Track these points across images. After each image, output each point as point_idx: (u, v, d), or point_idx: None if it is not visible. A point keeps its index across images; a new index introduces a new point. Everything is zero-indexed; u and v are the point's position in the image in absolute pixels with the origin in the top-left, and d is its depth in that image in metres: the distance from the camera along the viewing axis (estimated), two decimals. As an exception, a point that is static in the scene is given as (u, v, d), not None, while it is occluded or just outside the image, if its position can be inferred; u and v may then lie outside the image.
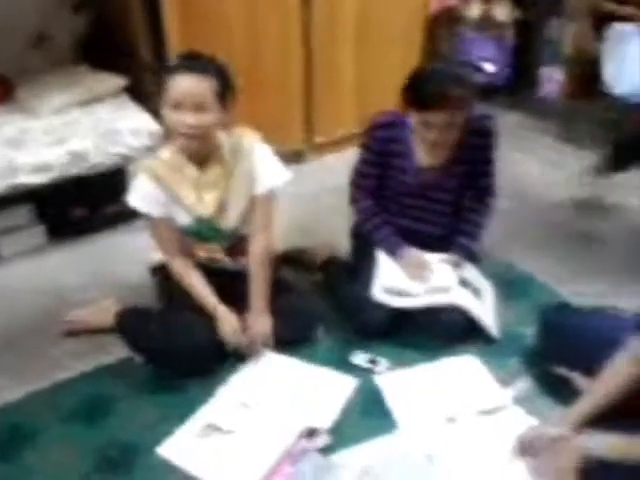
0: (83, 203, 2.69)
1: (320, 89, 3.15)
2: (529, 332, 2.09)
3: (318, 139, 3.26)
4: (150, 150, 2.64)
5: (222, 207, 1.98)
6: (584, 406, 1.60)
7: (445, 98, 1.90)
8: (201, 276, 2.04)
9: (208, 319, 2.01)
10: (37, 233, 2.63)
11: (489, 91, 3.59)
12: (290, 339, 2.09)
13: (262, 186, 2.01)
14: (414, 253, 2.18)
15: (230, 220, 2.01)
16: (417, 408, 1.87)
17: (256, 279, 2.05)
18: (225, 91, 1.87)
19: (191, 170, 1.94)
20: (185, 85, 1.80)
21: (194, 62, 1.84)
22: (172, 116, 1.83)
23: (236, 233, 2.06)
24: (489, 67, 3.81)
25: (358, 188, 2.23)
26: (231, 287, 2.06)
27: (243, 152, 1.98)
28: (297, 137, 3.21)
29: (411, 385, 1.96)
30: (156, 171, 1.93)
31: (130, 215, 2.61)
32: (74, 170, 2.52)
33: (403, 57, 3.25)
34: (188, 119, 1.81)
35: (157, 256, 2.14)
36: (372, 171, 2.18)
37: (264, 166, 2.00)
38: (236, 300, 2.05)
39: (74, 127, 2.63)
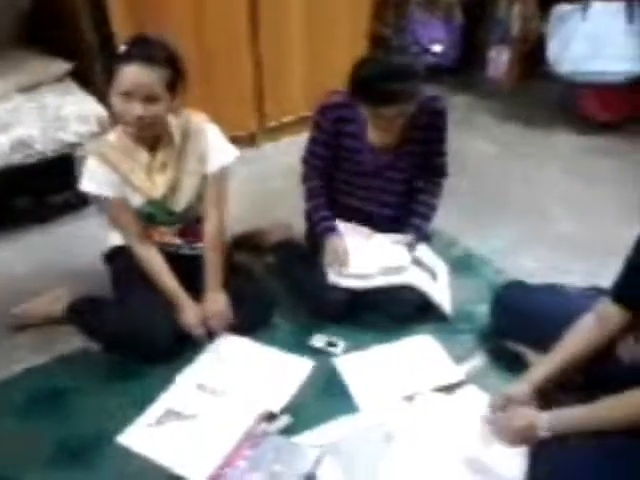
0: (29, 192, 2.63)
1: (269, 73, 3.12)
2: (481, 309, 2.14)
3: (270, 123, 3.25)
4: (97, 136, 2.58)
5: (173, 188, 1.97)
6: (547, 366, 1.63)
7: (393, 95, 1.91)
8: (164, 262, 2.02)
9: (166, 303, 2.00)
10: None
11: (437, 72, 3.62)
12: (247, 326, 2.10)
13: (213, 165, 2.01)
14: (338, 242, 2.16)
15: (181, 201, 2.00)
16: (375, 388, 1.90)
17: (210, 258, 2.05)
18: (175, 80, 1.85)
19: (141, 153, 1.92)
20: (135, 76, 1.77)
21: (144, 51, 1.79)
22: (121, 105, 1.80)
23: (189, 215, 2.05)
24: (437, 48, 3.85)
25: (308, 167, 2.24)
26: (187, 271, 2.05)
27: (192, 133, 1.97)
28: (249, 121, 3.19)
29: (369, 366, 1.99)
30: (106, 154, 1.90)
31: (78, 204, 2.59)
32: (18, 158, 2.45)
33: (351, 39, 3.24)
34: (137, 109, 1.79)
35: (111, 241, 2.12)
36: (322, 151, 2.18)
37: (214, 145, 2.00)
38: (192, 284, 2.04)
39: (17, 113, 2.54)
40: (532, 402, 1.60)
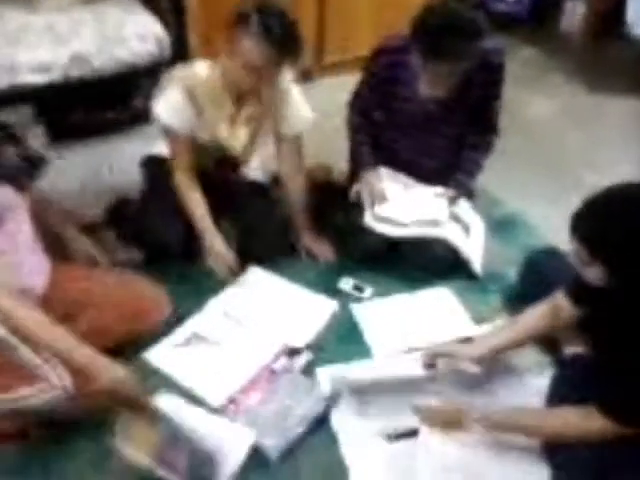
0: (83, 107, 2.66)
1: (334, 7, 3.06)
2: (513, 272, 2.11)
3: (329, 59, 3.19)
4: (157, 58, 2.59)
5: (251, 143, 2.04)
6: (500, 338, 1.71)
7: (452, 53, 1.84)
8: (202, 198, 2.05)
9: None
10: (36, 135, 2.56)
11: (508, 22, 3.50)
12: (267, 254, 2.16)
13: (290, 129, 2.06)
14: (375, 178, 2.18)
15: (253, 154, 2.09)
16: (388, 336, 1.93)
17: (299, 213, 2.19)
18: (289, 58, 1.87)
19: (227, 102, 1.94)
20: (255, 52, 1.78)
21: (276, 32, 1.77)
22: (229, 62, 1.83)
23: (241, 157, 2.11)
24: (511, -4, 3.70)
25: (354, 108, 2.24)
26: (220, 194, 2.11)
27: (279, 93, 1.99)
28: (307, 55, 3.13)
29: (386, 314, 2.01)
30: (192, 89, 1.91)
31: (129, 122, 2.61)
32: (75, 72, 2.47)
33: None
34: (243, 76, 1.82)
35: (152, 149, 2.17)
36: (371, 95, 2.17)
37: (294, 110, 2.02)
38: (223, 208, 2.11)
39: (77, 27, 2.55)
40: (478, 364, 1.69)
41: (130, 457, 1.47)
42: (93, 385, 1.41)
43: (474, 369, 1.69)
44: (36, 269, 1.67)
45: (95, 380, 1.41)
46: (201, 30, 2.79)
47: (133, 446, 1.47)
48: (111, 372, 1.42)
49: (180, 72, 1.98)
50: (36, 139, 2.57)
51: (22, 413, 1.48)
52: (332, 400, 1.71)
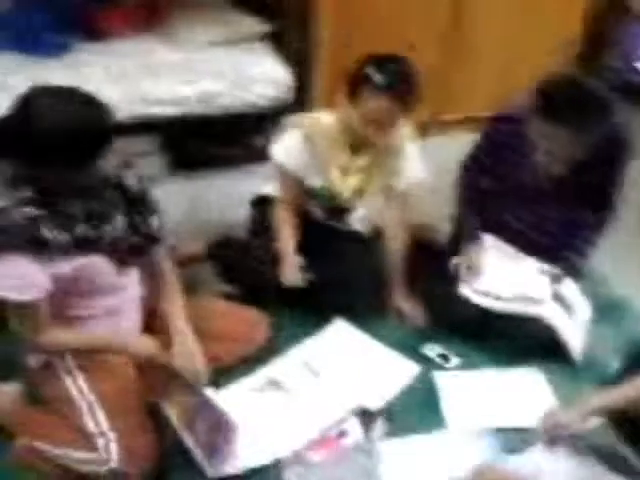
0: (203, 141, 2.78)
1: (457, 64, 3.06)
2: (613, 362, 1.98)
3: (446, 116, 3.17)
4: (279, 102, 2.68)
5: (359, 192, 2.06)
6: (606, 400, 1.61)
7: (572, 123, 1.80)
8: (294, 231, 2.08)
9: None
10: (155, 163, 2.72)
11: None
12: (357, 307, 2.15)
13: (402, 183, 2.07)
14: (477, 251, 2.13)
15: (361, 203, 2.11)
16: (467, 412, 1.87)
17: (395, 270, 2.17)
18: (407, 110, 1.91)
19: (344, 152, 1.99)
20: (377, 108, 1.84)
21: (396, 86, 1.83)
22: (350, 112, 1.89)
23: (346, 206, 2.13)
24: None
25: (467, 173, 2.21)
26: (322, 240, 2.13)
27: (395, 147, 2.02)
28: (423, 110, 3.12)
29: (468, 388, 1.95)
30: (312, 136, 1.99)
31: (244, 160, 2.70)
32: (203, 109, 2.60)
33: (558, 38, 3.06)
34: (363, 126, 1.88)
35: (263, 189, 2.23)
36: (486, 161, 2.13)
37: (409, 164, 2.05)
38: (324, 252, 2.11)
39: (211, 66, 2.68)
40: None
41: (171, 419, 1.69)
42: (134, 356, 1.63)
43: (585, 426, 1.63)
44: None
45: (133, 350, 1.62)
46: (326, 80, 2.86)
47: (172, 409, 1.70)
48: (145, 341, 1.64)
49: (303, 118, 2.07)
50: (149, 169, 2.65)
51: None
52: None
